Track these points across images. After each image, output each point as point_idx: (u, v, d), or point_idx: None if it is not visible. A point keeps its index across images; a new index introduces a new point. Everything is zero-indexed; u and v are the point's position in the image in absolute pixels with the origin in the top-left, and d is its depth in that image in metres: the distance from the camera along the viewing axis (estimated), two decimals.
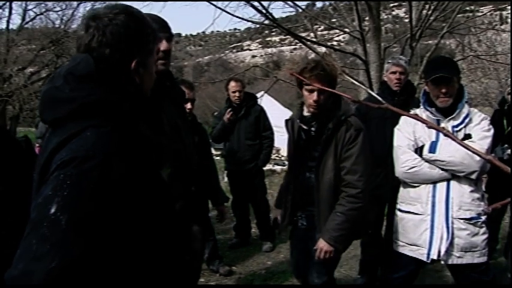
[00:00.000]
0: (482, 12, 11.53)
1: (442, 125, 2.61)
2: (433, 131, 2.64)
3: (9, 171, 2.30)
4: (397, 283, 2.79)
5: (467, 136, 2.57)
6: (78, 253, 1.05)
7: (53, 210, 1.05)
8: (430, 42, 10.66)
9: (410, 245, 2.67)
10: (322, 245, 2.51)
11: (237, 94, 4.96)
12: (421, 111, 2.72)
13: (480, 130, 2.57)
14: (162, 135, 1.54)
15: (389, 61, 3.85)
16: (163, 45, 2.04)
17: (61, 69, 1.29)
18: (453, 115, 2.61)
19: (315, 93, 2.47)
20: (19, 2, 17.20)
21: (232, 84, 5.04)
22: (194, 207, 2.12)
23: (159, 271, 1.32)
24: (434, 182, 2.61)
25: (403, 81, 3.75)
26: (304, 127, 2.64)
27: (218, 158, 7.12)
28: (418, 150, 2.64)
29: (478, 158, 2.48)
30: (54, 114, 1.22)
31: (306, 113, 2.65)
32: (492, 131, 2.60)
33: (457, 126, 2.60)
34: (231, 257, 4.84)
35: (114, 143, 1.17)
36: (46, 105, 1.26)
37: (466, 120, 2.61)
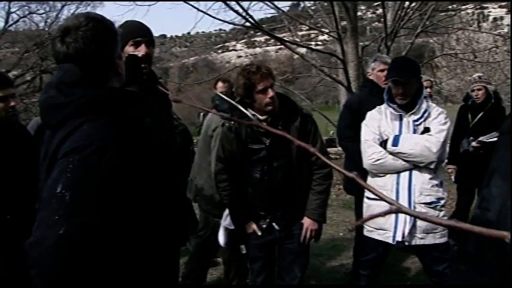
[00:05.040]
0: (461, 10, 11.86)
1: (405, 119, 2.86)
2: (397, 126, 2.89)
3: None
4: (367, 264, 3.04)
5: (427, 129, 2.82)
6: (80, 222, 1.31)
7: (59, 189, 1.31)
8: (410, 40, 10.97)
9: (378, 229, 2.91)
10: (310, 224, 2.74)
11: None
12: (385, 107, 2.96)
13: (437, 124, 2.82)
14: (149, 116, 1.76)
15: (376, 59, 3.90)
16: (142, 50, 2.13)
17: (51, 80, 1.55)
18: (413, 110, 2.85)
19: (270, 90, 2.58)
20: (1, 5, 17.13)
21: (220, 84, 5.18)
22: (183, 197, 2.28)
23: (155, 242, 1.56)
24: (398, 172, 2.85)
25: None
26: (262, 129, 2.60)
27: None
28: (383, 144, 2.89)
29: (435, 149, 2.74)
30: (56, 118, 1.47)
31: (260, 117, 2.63)
32: (448, 124, 2.86)
33: (417, 120, 2.85)
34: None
35: (107, 132, 1.43)
36: (47, 112, 1.53)
37: (425, 115, 2.86)
